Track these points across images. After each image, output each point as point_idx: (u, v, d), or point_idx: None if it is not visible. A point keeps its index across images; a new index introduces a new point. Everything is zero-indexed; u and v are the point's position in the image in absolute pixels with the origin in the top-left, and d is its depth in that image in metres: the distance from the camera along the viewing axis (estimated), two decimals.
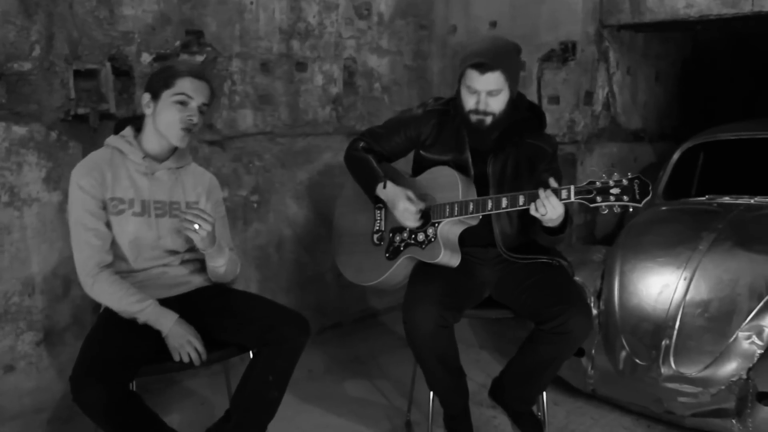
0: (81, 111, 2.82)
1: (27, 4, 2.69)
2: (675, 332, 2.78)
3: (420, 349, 2.30)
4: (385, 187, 2.45)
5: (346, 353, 3.66)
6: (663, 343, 2.78)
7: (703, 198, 3.59)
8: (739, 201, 3.45)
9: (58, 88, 2.78)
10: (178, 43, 3.11)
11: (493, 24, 3.97)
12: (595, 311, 3.05)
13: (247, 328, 2.17)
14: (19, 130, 2.73)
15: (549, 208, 2.10)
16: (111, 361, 1.94)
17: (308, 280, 3.81)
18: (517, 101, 2.41)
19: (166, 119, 2.16)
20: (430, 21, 4.24)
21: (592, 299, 3.08)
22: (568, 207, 2.26)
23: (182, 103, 2.14)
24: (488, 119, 2.33)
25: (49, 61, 2.76)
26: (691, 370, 2.70)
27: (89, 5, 2.84)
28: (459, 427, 2.48)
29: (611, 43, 3.87)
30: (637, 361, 2.82)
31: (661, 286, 2.94)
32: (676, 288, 2.89)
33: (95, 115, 2.86)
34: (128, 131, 2.25)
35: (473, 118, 2.35)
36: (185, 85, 2.14)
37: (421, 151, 2.55)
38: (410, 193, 2.41)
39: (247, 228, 3.50)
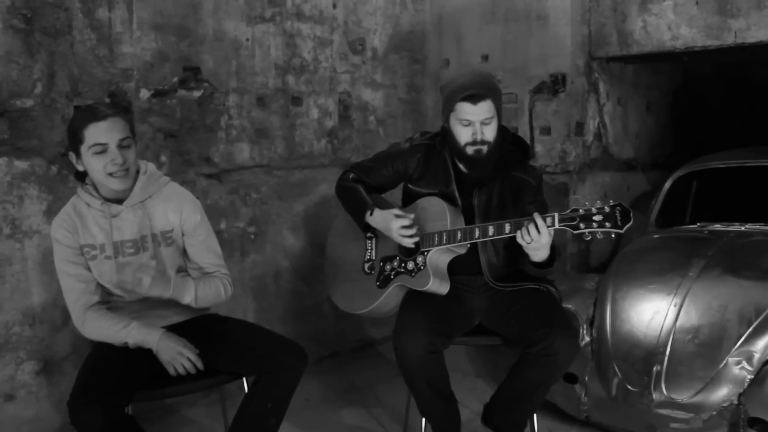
0: (67, 149, 2.88)
1: (30, 43, 2.78)
2: (666, 358, 2.80)
3: (410, 374, 2.33)
4: (372, 214, 2.50)
5: (343, 382, 3.69)
6: (654, 369, 2.81)
7: (695, 225, 3.64)
8: (730, 228, 3.50)
9: (59, 123, 2.86)
10: (175, 79, 3.20)
11: (485, 57, 4.06)
12: (587, 339, 3.09)
13: (245, 356, 2.22)
14: (21, 165, 2.81)
15: (534, 236, 2.15)
16: (106, 386, 2.00)
17: (305, 310, 3.85)
18: (502, 134, 2.48)
19: (94, 172, 2.19)
20: (423, 55, 4.34)
21: (585, 327, 3.11)
22: (555, 243, 2.32)
23: (100, 152, 2.15)
24: (485, 148, 2.40)
25: (51, 98, 2.85)
26: (683, 396, 2.72)
27: (89, 44, 2.93)
28: None
29: (600, 74, 3.96)
30: (630, 387, 2.84)
31: (652, 312, 2.97)
32: (667, 314, 2.92)
33: None
34: (89, 179, 2.28)
35: (470, 150, 2.41)
36: (92, 133, 2.14)
37: (409, 185, 2.62)
38: (397, 211, 2.46)
39: (245, 259, 3.55)
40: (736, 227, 3.49)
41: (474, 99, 2.33)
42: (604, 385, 2.94)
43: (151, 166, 2.38)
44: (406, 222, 2.42)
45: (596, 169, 4.06)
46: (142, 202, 2.30)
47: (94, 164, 2.16)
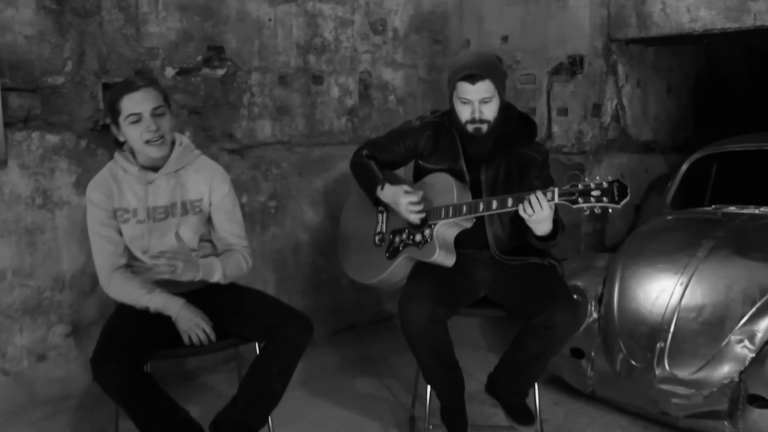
0: (108, 121, 3.02)
1: (61, 23, 2.91)
2: (670, 335, 2.86)
3: (414, 342, 2.44)
4: (383, 189, 2.60)
5: (358, 353, 3.81)
6: (658, 345, 2.87)
7: (710, 208, 3.66)
8: (744, 211, 3.51)
9: (87, 100, 3.00)
10: (199, 58, 3.32)
11: (505, 38, 4.11)
12: (595, 315, 3.16)
13: (254, 324, 2.34)
14: (52, 139, 2.96)
15: (536, 209, 2.23)
16: (126, 344, 2.14)
17: (324, 283, 3.97)
18: (508, 112, 2.55)
19: (132, 141, 2.32)
20: (445, 36, 4.40)
21: (593, 303, 3.18)
22: (559, 217, 2.40)
23: (136, 122, 2.28)
24: (484, 127, 2.48)
25: (80, 76, 2.99)
26: (685, 373, 2.78)
27: (117, 24, 3.05)
28: (454, 419, 2.60)
29: (619, 56, 3.98)
30: (633, 363, 2.91)
31: (658, 291, 3.03)
32: (673, 293, 2.97)
33: None
34: (127, 146, 2.41)
35: (470, 128, 2.49)
36: (127, 105, 2.27)
37: (419, 161, 2.71)
38: (406, 187, 2.56)
39: (265, 232, 3.68)
40: (750, 210, 3.50)
41: (473, 79, 2.41)
42: (609, 361, 3.01)
43: (185, 139, 2.52)
44: (414, 198, 2.51)
45: (613, 151, 4.10)
46: (176, 172, 2.43)
47: (131, 133, 2.29)
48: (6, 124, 2.81)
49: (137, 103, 2.27)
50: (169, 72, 3.23)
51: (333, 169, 3.93)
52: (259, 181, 3.62)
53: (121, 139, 2.36)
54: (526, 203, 2.26)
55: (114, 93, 2.32)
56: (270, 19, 3.56)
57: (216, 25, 3.36)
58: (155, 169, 2.40)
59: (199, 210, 2.47)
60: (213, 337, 2.29)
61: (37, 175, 2.94)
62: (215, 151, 3.40)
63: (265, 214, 3.66)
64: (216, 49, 3.37)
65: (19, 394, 2.99)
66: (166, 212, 2.42)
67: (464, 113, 2.48)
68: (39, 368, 3.03)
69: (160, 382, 2.28)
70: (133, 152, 2.39)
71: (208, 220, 2.53)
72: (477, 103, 2.43)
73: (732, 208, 3.56)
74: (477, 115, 2.45)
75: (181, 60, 3.26)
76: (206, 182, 2.48)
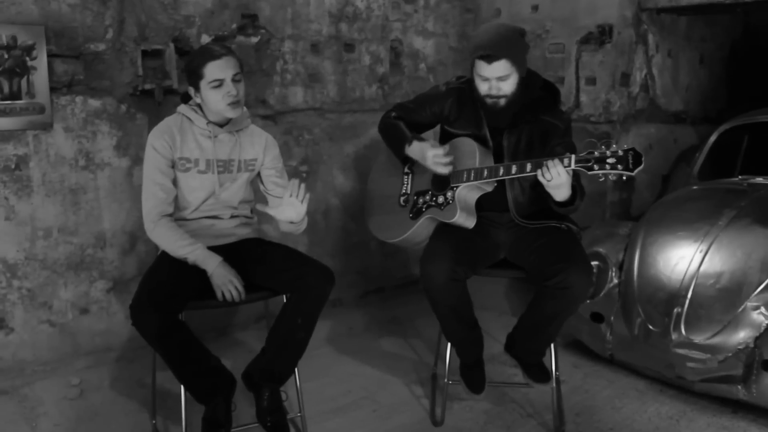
0: (147, 86, 3.17)
1: None
2: (687, 301, 2.93)
3: (434, 300, 2.55)
4: (410, 144, 2.70)
5: (385, 314, 3.94)
6: (675, 311, 2.94)
7: (737, 178, 3.67)
8: None
9: (127, 66, 3.13)
10: (234, 25, 3.42)
11: (535, 8, 4.13)
12: (615, 281, 3.23)
13: (279, 276, 2.47)
14: (94, 103, 3.10)
15: (554, 174, 2.31)
16: (164, 293, 2.29)
17: (353, 246, 4.09)
18: (531, 81, 2.61)
19: (212, 103, 2.46)
20: (476, 5, 4.43)
21: (614, 269, 3.25)
22: (577, 183, 2.46)
23: (218, 86, 2.43)
24: (502, 101, 2.55)
25: (121, 42, 3.11)
26: (701, 337, 2.85)
27: None
28: (473, 376, 2.71)
29: (650, 26, 3.97)
30: (651, 327, 2.99)
31: (677, 258, 3.08)
32: (692, 260, 3.03)
33: (160, 90, 3.20)
34: (193, 101, 2.55)
35: (488, 101, 2.57)
36: (212, 70, 2.41)
37: (445, 126, 2.79)
38: (434, 141, 2.65)
39: None
40: None
41: (488, 59, 2.47)
42: (627, 325, 3.10)
43: (244, 107, 2.65)
44: (440, 151, 2.60)
45: (641, 121, 4.11)
46: (237, 131, 2.59)
47: (212, 96, 2.44)
48: (52, 89, 2.96)
49: (221, 69, 2.42)
50: (205, 39, 3.33)
51: (363, 135, 4.02)
52: (292, 146, 3.74)
53: (198, 100, 2.50)
54: (544, 168, 2.33)
55: (198, 59, 2.45)
56: None
57: None
58: (221, 125, 2.55)
59: (252, 169, 2.63)
60: (243, 295, 2.43)
61: (80, 138, 3.08)
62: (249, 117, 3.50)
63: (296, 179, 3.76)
64: (250, 17, 3.47)
65: (64, 344, 3.18)
66: (224, 166, 2.57)
67: (482, 88, 2.55)
68: (82, 321, 3.21)
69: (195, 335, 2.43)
70: (200, 107, 2.53)
71: (252, 183, 2.70)
72: (494, 80, 2.50)
73: (759, 179, 3.57)
74: (494, 92, 2.52)
75: (217, 28, 3.37)
76: (260, 144, 2.66)
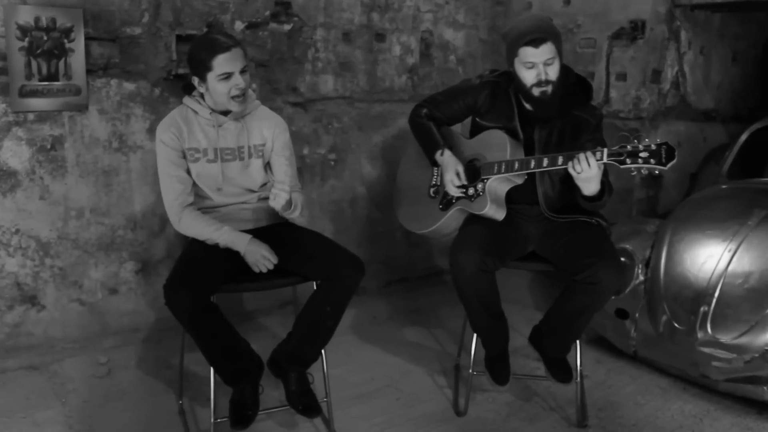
0: (181, 71, 3.20)
1: None
2: (714, 300, 2.92)
3: (463, 290, 2.56)
4: (442, 154, 2.73)
5: (409, 305, 3.96)
6: (701, 309, 2.93)
7: (767, 179, 3.64)
8: None
9: (162, 50, 3.16)
10: (268, 12, 3.44)
11: (567, 2, 4.10)
12: (641, 278, 3.22)
13: (311, 263, 2.50)
14: (129, 86, 3.14)
15: (584, 167, 2.31)
16: (197, 275, 2.33)
17: (379, 236, 4.10)
18: (565, 74, 2.61)
19: (218, 95, 2.46)
20: None
21: (640, 266, 3.24)
22: (606, 179, 2.47)
23: (226, 79, 2.42)
24: (549, 88, 2.55)
25: (156, 27, 3.14)
26: (727, 337, 2.83)
27: None
28: (498, 368, 2.72)
29: (683, 22, 3.94)
30: (677, 325, 2.98)
31: (705, 256, 3.07)
32: (720, 259, 3.01)
33: None
34: (197, 92, 2.55)
35: (536, 91, 2.56)
36: (221, 63, 2.40)
37: (476, 118, 2.79)
38: (460, 168, 2.69)
39: (324, 183, 3.82)
40: None
41: (536, 42, 2.47)
42: (653, 323, 3.09)
43: (249, 90, 2.65)
44: (458, 182, 2.68)
45: (671, 118, 4.08)
46: (243, 117, 2.59)
47: (220, 88, 2.44)
48: (88, 71, 3.00)
49: (230, 62, 2.41)
50: (239, 26, 3.36)
51: (392, 125, 4.03)
52: (321, 134, 3.76)
53: (202, 90, 2.50)
54: (575, 161, 2.33)
55: (206, 50, 2.43)
56: None
57: None
58: (225, 113, 2.55)
59: (261, 154, 2.62)
60: (275, 260, 2.46)
61: (114, 120, 3.13)
62: (279, 104, 3.54)
63: (324, 166, 3.80)
64: (283, 4, 3.49)
65: (93, 323, 3.24)
66: (233, 154, 2.58)
67: (529, 77, 2.55)
68: (111, 301, 3.27)
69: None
70: (203, 96, 2.54)
71: (266, 166, 2.68)
72: (542, 65, 2.50)
73: None
74: (543, 77, 2.52)
75: (251, 14, 3.39)
76: (269, 129, 2.65)
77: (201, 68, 2.44)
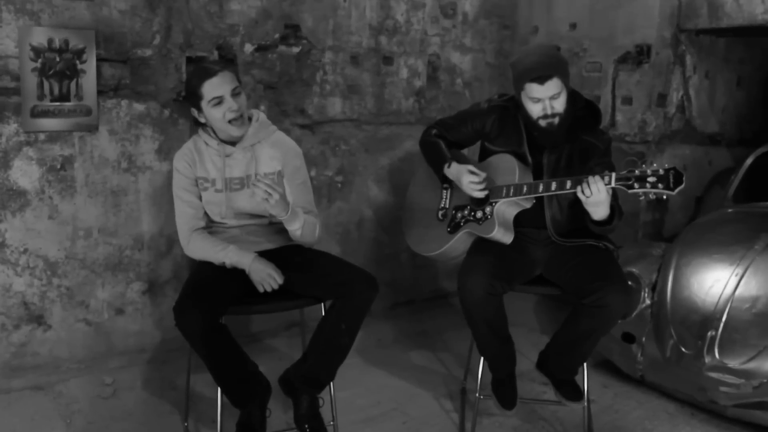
0: (190, 107, 3.20)
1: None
2: (722, 324, 2.91)
3: (470, 313, 2.56)
4: (449, 166, 2.72)
5: (414, 327, 3.95)
6: (709, 333, 2.92)
7: None
8: None
9: (172, 71, 3.19)
10: (277, 35, 3.47)
11: (573, 26, 4.14)
12: (648, 301, 3.22)
13: (323, 282, 2.50)
14: (139, 107, 3.16)
15: (593, 191, 2.32)
16: (207, 296, 2.34)
17: (385, 258, 4.10)
18: (573, 99, 2.62)
19: (215, 121, 2.52)
20: (514, 21, 4.45)
21: (647, 290, 3.24)
22: (616, 203, 2.47)
23: (218, 104, 2.47)
24: (556, 120, 2.57)
25: (167, 49, 3.17)
26: (735, 362, 2.83)
27: (202, 1, 3.23)
28: (505, 391, 2.71)
29: (688, 47, 3.97)
30: (684, 350, 2.98)
31: (712, 280, 3.07)
32: (727, 283, 3.01)
33: None
34: (208, 124, 2.58)
35: (543, 123, 2.58)
36: (209, 89, 2.46)
37: (485, 142, 2.81)
38: (471, 167, 2.67)
39: (331, 205, 3.83)
40: None
41: (541, 80, 2.50)
42: (659, 347, 3.08)
43: (262, 116, 2.71)
44: (476, 179, 2.62)
45: (677, 141, 4.10)
46: (252, 146, 2.62)
47: (214, 114, 2.49)
48: (99, 92, 3.02)
49: (217, 86, 2.46)
50: (248, 48, 3.39)
51: (399, 147, 4.05)
52: (328, 156, 3.77)
53: (202, 120, 2.56)
54: (584, 185, 2.35)
55: (195, 79, 2.50)
56: (345, 0, 3.68)
57: (294, 5, 3.50)
58: (233, 143, 2.59)
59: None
60: (281, 280, 2.46)
61: (123, 141, 3.14)
62: (287, 126, 3.56)
63: (331, 188, 3.81)
64: (293, 27, 3.52)
65: (98, 343, 3.22)
66: (241, 183, 2.61)
67: (535, 110, 2.57)
68: (117, 321, 3.26)
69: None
70: (213, 129, 2.58)
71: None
72: (547, 100, 2.52)
73: None
74: (549, 111, 2.54)
75: (260, 37, 3.42)
76: (280, 157, 2.66)
77: (194, 98, 2.51)
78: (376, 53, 3.87)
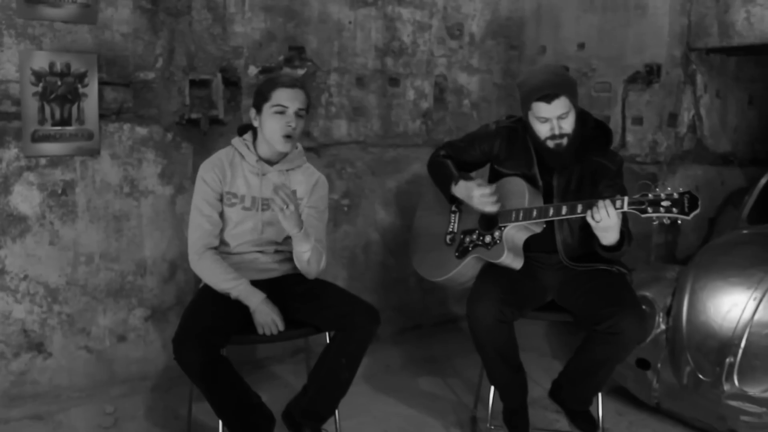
0: (194, 116, 3.19)
1: (154, 22, 3.07)
2: (740, 351, 2.81)
3: (480, 341, 2.48)
4: (456, 184, 2.66)
5: (423, 353, 3.86)
6: (727, 360, 2.82)
7: None
8: None
9: (175, 95, 3.15)
10: (281, 57, 3.44)
11: (581, 45, 4.09)
12: (663, 327, 3.13)
13: (324, 313, 2.43)
14: (141, 131, 3.12)
15: (603, 215, 2.25)
16: (207, 328, 2.26)
17: (392, 282, 4.03)
18: (583, 119, 2.56)
19: (269, 129, 2.46)
20: (521, 42, 4.41)
21: (661, 315, 3.15)
22: (626, 229, 2.40)
23: (280, 113, 2.43)
24: (564, 140, 2.51)
25: (170, 72, 3.14)
26: (755, 390, 2.73)
27: (206, 23, 3.20)
28: (517, 422, 2.63)
29: (699, 66, 3.91)
30: (701, 377, 2.88)
31: (730, 305, 2.97)
32: (745, 308, 2.91)
33: (206, 120, 3.22)
34: (249, 135, 2.56)
35: (551, 144, 2.52)
36: (280, 96, 2.42)
37: (494, 165, 2.75)
38: (480, 180, 2.62)
39: (337, 229, 3.77)
40: None
41: (548, 98, 2.44)
42: (676, 373, 2.98)
43: (300, 146, 2.67)
44: (486, 191, 2.56)
45: (688, 162, 4.03)
46: (287, 171, 2.57)
47: (271, 123, 2.44)
48: (101, 116, 2.99)
49: (289, 98, 2.43)
50: (252, 71, 3.35)
51: (406, 170, 4.00)
52: (334, 179, 3.72)
53: (255, 124, 2.50)
54: (594, 209, 2.28)
55: (269, 83, 2.48)
56: (350, 22, 3.65)
57: (298, 26, 3.47)
58: (270, 162, 2.54)
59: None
60: (282, 327, 2.40)
61: (126, 165, 3.10)
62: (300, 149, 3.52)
63: (338, 212, 3.76)
64: (297, 49, 3.49)
65: (100, 371, 3.16)
66: (269, 205, 2.53)
67: (543, 131, 2.51)
68: (119, 348, 3.20)
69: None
70: (254, 142, 2.53)
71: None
72: (555, 120, 2.46)
73: None
74: (557, 131, 2.48)
75: (264, 59, 3.39)
76: (310, 185, 2.62)
77: (259, 99, 2.46)
78: (382, 75, 3.83)
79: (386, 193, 3.95)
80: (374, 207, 3.91)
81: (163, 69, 3.13)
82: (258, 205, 2.52)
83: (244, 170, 2.53)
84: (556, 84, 2.45)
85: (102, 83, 2.97)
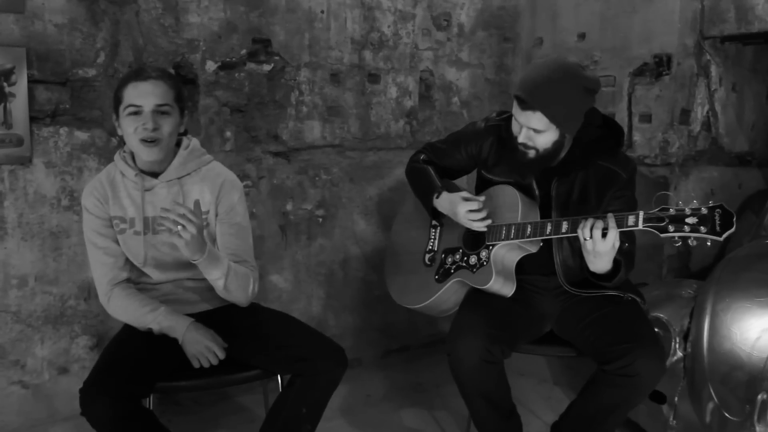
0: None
1: (94, 11, 2.72)
2: None
3: (463, 383, 2.11)
4: (438, 197, 2.27)
5: (409, 379, 3.49)
6: (759, 398, 2.43)
7: None
8: None
9: None
10: (244, 51, 3.07)
11: (582, 36, 3.71)
12: (680, 354, 2.74)
13: (279, 355, 2.04)
14: (82, 136, 2.77)
15: (596, 236, 1.87)
16: (123, 375, 1.87)
17: (375, 300, 3.66)
18: (589, 117, 2.16)
19: (126, 135, 2.07)
20: (515, 33, 4.03)
21: (678, 340, 2.77)
22: (626, 256, 2.02)
23: (135, 114, 2.02)
24: (531, 153, 2.13)
25: (114, 68, 2.78)
26: None
27: (155, 13, 2.84)
28: None
29: (713, 56, 3.52)
30: (728, 415, 2.49)
31: (759, 330, 2.58)
32: None
33: None
34: (127, 147, 2.16)
35: (519, 147, 2.15)
36: (131, 93, 2.02)
37: (483, 171, 2.36)
38: (465, 193, 2.23)
39: (311, 243, 3.40)
40: None
41: (522, 105, 2.07)
42: (696, 410, 2.61)
43: (194, 142, 2.23)
44: (474, 206, 2.16)
45: (703, 163, 3.64)
46: (179, 179, 2.15)
47: (126, 127, 2.05)
48: (32, 119, 2.63)
49: (141, 94, 2.02)
50: (211, 66, 2.99)
51: (388, 176, 3.62)
52: (306, 187, 3.35)
53: (120, 132, 2.11)
54: (590, 227, 1.88)
55: (121, 79, 2.08)
56: (322, 11, 3.28)
57: (263, 16, 3.10)
58: (155, 174, 2.13)
59: (206, 224, 2.16)
60: (222, 356, 2.01)
61: (63, 174, 2.75)
62: (258, 154, 3.16)
63: (311, 224, 3.38)
64: (262, 42, 3.12)
65: (38, 408, 2.82)
66: (165, 224, 2.12)
67: (514, 129, 2.16)
68: (60, 382, 2.85)
69: (192, 402, 2.02)
70: (132, 153, 2.14)
71: (215, 240, 2.21)
72: (525, 128, 2.07)
73: None
74: (524, 140, 2.09)
75: (224, 53, 3.02)
76: (213, 191, 2.19)
77: (115, 101, 2.06)
78: (360, 70, 3.45)
79: (366, 201, 3.57)
80: (353, 217, 3.54)
81: (106, 65, 2.76)
82: (151, 227, 2.12)
83: (127, 188, 2.13)
84: (539, 94, 2.04)
85: (33, 81, 2.61)
